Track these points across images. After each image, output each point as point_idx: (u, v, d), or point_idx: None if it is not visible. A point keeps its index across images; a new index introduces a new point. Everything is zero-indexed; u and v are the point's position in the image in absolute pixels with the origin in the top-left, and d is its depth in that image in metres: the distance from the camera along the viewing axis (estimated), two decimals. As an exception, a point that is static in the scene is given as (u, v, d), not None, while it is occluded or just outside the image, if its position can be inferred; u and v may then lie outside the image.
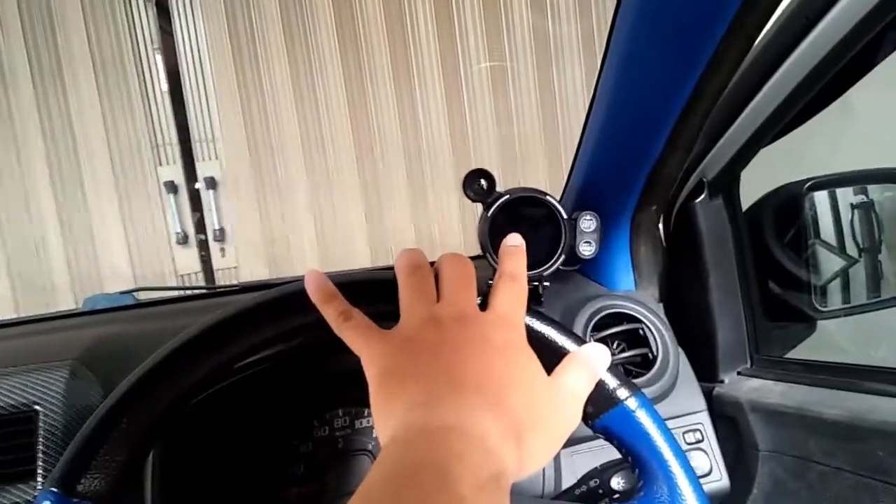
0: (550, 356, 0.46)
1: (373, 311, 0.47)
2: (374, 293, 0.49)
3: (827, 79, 0.67)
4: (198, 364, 0.47)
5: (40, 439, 0.64)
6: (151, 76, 2.78)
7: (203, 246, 2.87)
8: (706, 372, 0.84)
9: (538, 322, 0.48)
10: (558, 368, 0.45)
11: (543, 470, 0.75)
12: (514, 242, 0.51)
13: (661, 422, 0.45)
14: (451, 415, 0.37)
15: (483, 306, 0.46)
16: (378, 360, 0.43)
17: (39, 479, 0.63)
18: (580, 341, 0.48)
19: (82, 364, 0.71)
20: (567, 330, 0.48)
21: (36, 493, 0.62)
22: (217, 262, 2.88)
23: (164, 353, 0.46)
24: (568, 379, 0.44)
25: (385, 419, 0.41)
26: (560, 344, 0.47)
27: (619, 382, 0.46)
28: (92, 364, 0.72)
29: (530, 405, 0.40)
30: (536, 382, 0.42)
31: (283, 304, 0.49)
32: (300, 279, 0.49)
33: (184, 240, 2.83)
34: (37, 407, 0.65)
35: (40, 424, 0.64)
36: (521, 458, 0.38)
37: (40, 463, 0.63)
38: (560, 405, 0.43)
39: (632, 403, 0.45)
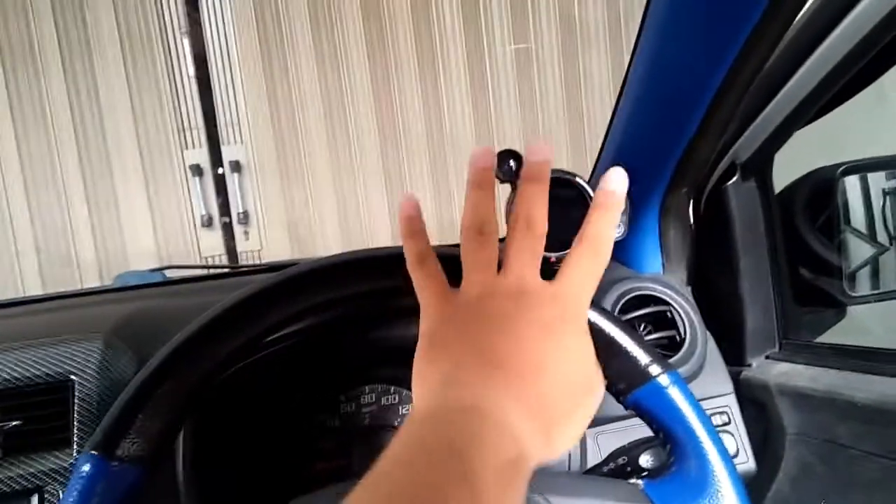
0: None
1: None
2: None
3: (864, 62, 0.66)
4: (235, 334, 0.48)
5: (75, 408, 0.65)
6: (178, 60, 2.80)
7: (227, 228, 2.89)
8: (734, 355, 0.84)
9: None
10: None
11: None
12: (613, 186, 0.45)
13: (693, 399, 0.45)
14: (475, 393, 0.37)
15: (551, 275, 0.44)
16: (431, 318, 0.43)
17: (75, 446, 0.64)
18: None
19: (116, 336, 0.73)
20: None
21: (71, 461, 0.64)
22: (241, 244, 2.90)
23: (203, 321, 0.47)
24: None
25: (418, 386, 0.42)
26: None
27: (651, 359, 0.46)
28: (125, 337, 0.74)
29: (566, 389, 0.39)
30: (580, 367, 0.41)
31: (320, 276, 0.49)
32: (333, 256, 0.49)
33: (208, 222, 2.85)
34: (72, 377, 0.66)
35: (76, 393, 0.65)
36: (547, 441, 0.37)
37: (75, 431, 0.65)
38: (599, 392, 0.42)
39: (664, 380, 0.45)
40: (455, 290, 0.44)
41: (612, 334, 0.46)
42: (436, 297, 0.44)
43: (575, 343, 0.41)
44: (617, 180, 0.45)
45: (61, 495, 0.62)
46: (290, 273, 0.49)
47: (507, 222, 0.78)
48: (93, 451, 0.43)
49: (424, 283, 0.44)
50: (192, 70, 2.81)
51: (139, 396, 0.45)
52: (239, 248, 2.90)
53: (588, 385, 0.41)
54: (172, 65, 2.79)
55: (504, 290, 0.41)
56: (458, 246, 0.45)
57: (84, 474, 0.42)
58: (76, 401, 0.66)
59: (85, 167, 2.71)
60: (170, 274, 1.34)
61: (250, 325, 0.48)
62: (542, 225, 0.43)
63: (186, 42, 2.79)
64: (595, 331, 0.46)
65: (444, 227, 2.98)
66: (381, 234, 2.95)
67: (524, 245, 0.43)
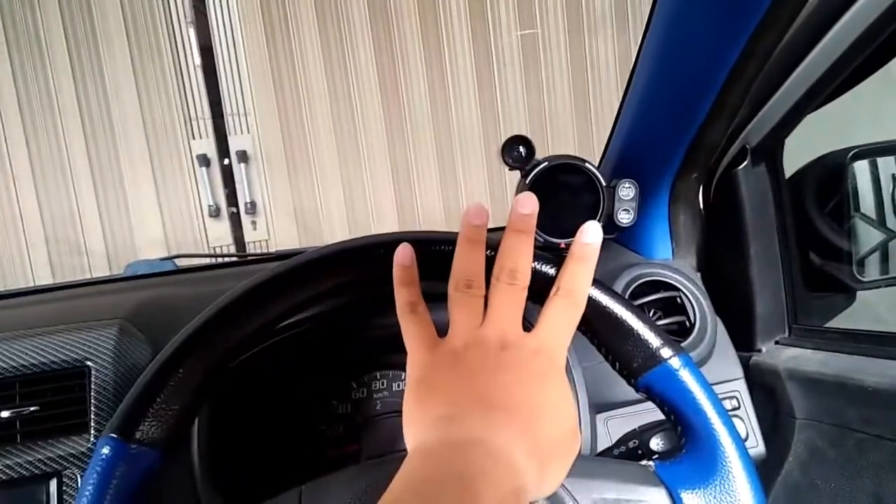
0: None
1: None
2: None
3: (874, 46, 0.65)
4: (249, 319, 0.48)
5: (92, 393, 0.66)
6: (184, 50, 2.80)
7: (234, 218, 2.90)
8: (744, 341, 0.84)
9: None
10: None
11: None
12: (589, 239, 0.46)
13: (704, 382, 0.46)
14: (478, 429, 0.38)
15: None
16: (419, 367, 0.45)
17: (92, 431, 0.65)
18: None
19: (130, 323, 0.73)
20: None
21: (89, 445, 0.65)
22: (248, 234, 2.91)
23: (219, 307, 0.47)
24: None
25: (413, 426, 0.43)
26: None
27: (662, 342, 0.46)
28: (139, 324, 0.74)
29: (557, 432, 0.41)
30: (566, 412, 0.42)
31: (331, 261, 0.49)
32: (343, 241, 0.50)
33: (216, 212, 2.86)
34: (88, 363, 0.67)
35: (92, 379, 0.66)
36: (541, 479, 0.38)
37: (92, 416, 0.65)
38: (578, 440, 0.43)
39: (675, 363, 0.45)
40: (441, 340, 0.45)
41: (623, 317, 0.47)
42: (424, 345, 0.45)
43: (559, 391, 0.43)
44: (593, 233, 0.46)
45: (79, 479, 0.63)
46: (301, 259, 0.49)
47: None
48: (112, 434, 0.43)
49: (413, 331, 0.46)
50: (198, 60, 2.81)
51: (157, 380, 0.45)
52: (247, 238, 2.91)
53: (573, 430, 0.42)
54: (178, 55, 2.79)
55: (488, 342, 0.43)
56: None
57: (104, 457, 0.43)
58: (93, 386, 0.66)
59: (92, 158, 2.72)
60: (180, 263, 1.35)
61: (264, 310, 0.48)
62: (525, 277, 0.44)
63: (192, 32, 2.79)
64: (607, 314, 0.47)
65: (450, 215, 2.98)
66: (388, 222, 2.95)
67: (507, 298, 0.44)
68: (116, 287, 0.92)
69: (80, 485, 0.43)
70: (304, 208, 2.92)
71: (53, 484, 0.63)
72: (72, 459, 0.64)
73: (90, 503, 0.42)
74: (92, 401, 0.66)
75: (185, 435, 0.56)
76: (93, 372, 0.66)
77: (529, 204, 0.44)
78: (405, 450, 0.82)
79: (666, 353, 0.45)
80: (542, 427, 0.40)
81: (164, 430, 0.45)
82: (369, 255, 0.50)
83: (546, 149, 3.09)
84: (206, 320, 0.46)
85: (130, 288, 0.91)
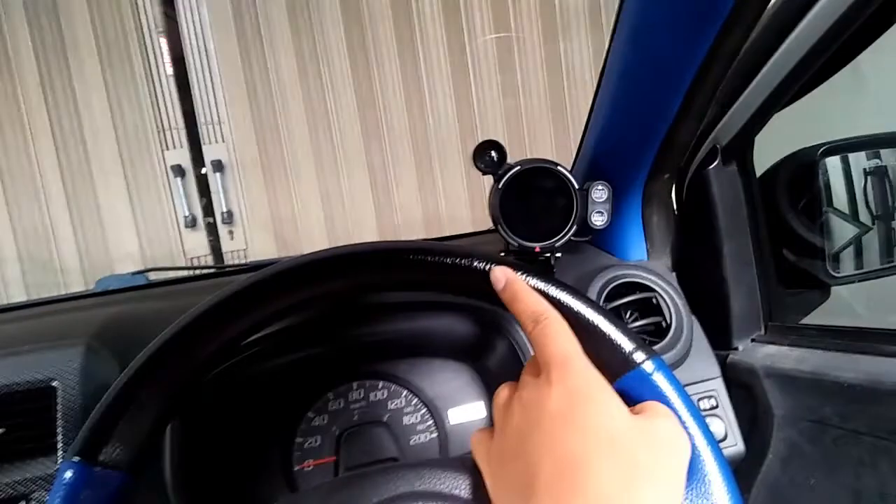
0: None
1: None
2: None
3: (840, 41, 0.66)
4: (214, 335, 0.47)
5: (59, 414, 0.64)
6: (156, 60, 2.77)
7: (211, 229, 2.88)
8: (720, 339, 0.84)
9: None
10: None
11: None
12: (500, 285, 0.48)
13: (678, 384, 0.45)
14: None
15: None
16: None
17: (60, 452, 0.64)
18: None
19: (98, 341, 0.72)
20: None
21: (57, 467, 0.63)
22: (226, 244, 2.88)
23: (182, 324, 0.46)
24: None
25: None
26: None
27: (635, 346, 0.46)
28: (107, 341, 0.73)
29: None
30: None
31: (301, 273, 0.49)
32: (314, 252, 0.49)
33: (192, 223, 2.83)
34: (54, 383, 0.65)
35: (58, 399, 0.65)
36: None
37: (60, 437, 0.64)
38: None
39: (648, 367, 0.45)
40: None
41: (595, 322, 0.46)
42: None
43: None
44: (498, 275, 0.48)
45: (47, 502, 0.62)
46: (269, 271, 0.48)
47: (490, 214, 0.77)
48: (74, 458, 0.42)
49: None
50: (169, 70, 2.78)
51: (119, 400, 0.44)
52: (224, 248, 2.89)
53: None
54: (150, 65, 2.76)
55: None
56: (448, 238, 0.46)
57: (66, 481, 0.42)
58: (59, 407, 0.65)
59: (64, 171, 2.68)
60: (152, 276, 1.33)
61: (230, 325, 0.47)
62: None
63: (163, 41, 2.76)
64: (579, 319, 0.46)
65: (430, 221, 2.97)
66: (367, 230, 2.94)
67: None
68: (85, 303, 0.91)
69: (44, 511, 0.41)
70: (282, 216, 2.90)
71: (21, 508, 0.62)
72: (39, 482, 0.62)
73: None
74: (59, 421, 0.64)
75: (152, 455, 0.55)
76: (59, 392, 0.65)
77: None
78: (382, 460, 0.81)
79: (639, 357, 0.45)
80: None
81: (130, 452, 0.44)
82: (339, 267, 0.50)
83: (524, 151, 3.10)
84: (169, 338, 0.45)
85: (100, 304, 0.89)
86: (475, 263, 0.49)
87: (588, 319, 0.46)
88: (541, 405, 0.41)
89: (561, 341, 0.43)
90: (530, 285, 0.47)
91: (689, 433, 0.43)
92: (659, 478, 0.38)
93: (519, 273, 0.48)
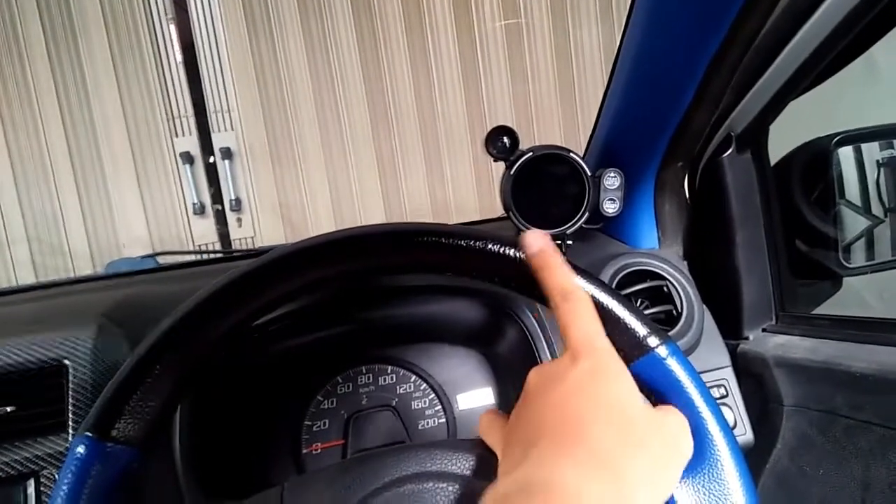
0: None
1: None
2: None
3: (857, 30, 0.65)
4: (226, 314, 0.47)
5: (70, 392, 0.65)
6: (166, 47, 2.77)
7: (219, 216, 2.88)
8: (731, 329, 0.83)
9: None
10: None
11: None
12: (534, 249, 0.47)
13: (692, 370, 0.45)
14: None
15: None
16: None
17: (70, 430, 0.64)
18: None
19: (109, 321, 0.72)
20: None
21: (67, 445, 0.63)
22: (234, 231, 2.89)
23: (195, 301, 0.46)
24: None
25: None
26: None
27: (649, 330, 0.45)
28: (118, 322, 0.73)
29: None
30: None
31: (312, 255, 0.49)
32: (323, 234, 0.49)
33: (200, 210, 2.83)
34: (66, 361, 0.66)
35: (70, 378, 0.65)
36: (618, 494, 0.35)
37: (71, 415, 0.64)
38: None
39: (662, 351, 0.45)
40: None
41: (609, 306, 0.46)
42: None
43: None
44: (532, 240, 0.47)
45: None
46: (281, 252, 0.48)
47: (501, 200, 0.77)
48: (87, 433, 0.42)
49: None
50: (179, 57, 2.77)
51: (133, 376, 0.44)
52: (232, 236, 2.89)
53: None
54: (159, 52, 2.76)
55: None
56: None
57: (79, 456, 0.42)
58: (71, 385, 0.65)
59: (74, 156, 2.69)
60: (162, 260, 1.33)
61: (242, 305, 0.47)
62: None
63: (173, 28, 2.76)
64: (593, 303, 0.46)
65: (437, 208, 2.97)
66: (375, 215, 2.94)
67: None
68: (96, 286, 0.91)
69: (55, 485, 0.42)
70: (290, 204, 2.90)
71: (31, 484, 0.62)
72: (50, 459, 0.63)
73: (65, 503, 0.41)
74: (70, 400, 0.64)
75: (163, 432, 0.55)
76: (70, 371, 0.65)
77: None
78: (390, 444, 0.81)
79: (653, 341, 0.45)
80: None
81: (142, 428, 0.44)
82: (349, 249, 0.49)
83: (532, 138, 3.08)
84: (183, 315, 0.45)
85: (110, 286, 0.89)
86: (502, 240, 0.49)
87: (602, 303, 0.46)
88: (560, 377, 0.41)
89: (588, 321, 0.43)
90: None
91: (702, 419, 0.43)
92: (660, 456, 0.39)
93: None
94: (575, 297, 0.44)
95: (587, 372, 0.40)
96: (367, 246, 0.49)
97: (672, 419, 0.42)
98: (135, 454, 0.44)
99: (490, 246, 0.48)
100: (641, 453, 0.37)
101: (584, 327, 0.42)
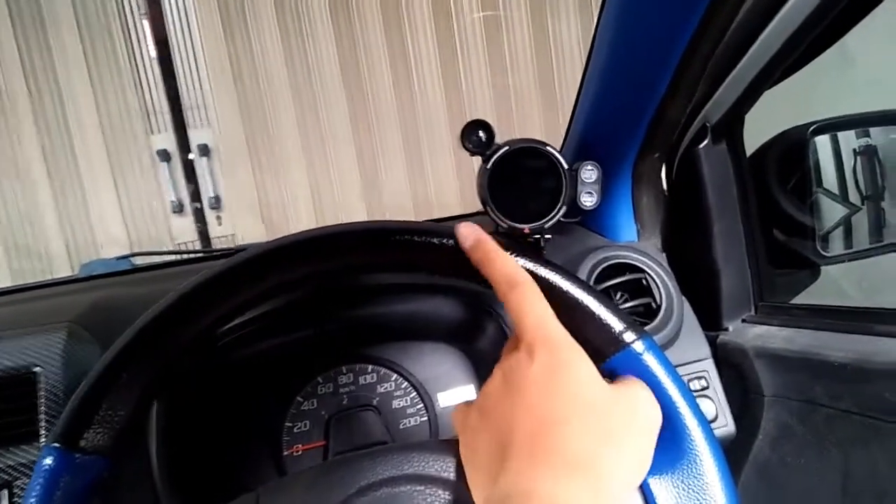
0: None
1: None
2: None
3: (830, 18, 0.65)
4: (197, 317, 0.46)
5: (42, 400, 0.63)
6: (139, 43, 2.73)
7: (199, 214, 2.85)
8: (710, 320, 0.84)
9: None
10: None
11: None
12: (468, 243, 0.47)
13: (668, 364, 0.45)
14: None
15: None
16: None
17: (42, 439, 0.63)
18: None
19: (80, 326, 0.71)
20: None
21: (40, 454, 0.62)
22: (213, 230, 2.86)
23: (163, 306, 0.45)
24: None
25: None
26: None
27: (625, 326, 0.45)
28: (90, 326, 0.72)
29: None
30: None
31: (288, 253, 0.48)
32: (299, 232, 0.48)
33: (179, 208, 2.81)
34: (36, 369, 0.64)
35: (41, 385, 0.64)
36: (595, 493, 0.36)
37: (43, 423, 0.63)
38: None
39: (639, 346, 0.44)
40: None
41: (584, 302, 0.45)
42: None
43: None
44: (464, 231, 0.47)
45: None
46: (255, 252, 0.47)
47: (479, 195, 0.77)
48: (54, 444, 0.41)
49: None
50: (153, 52, 2.74)
51: (100, 385, 0.43)
52: (212, 234, 2.87)
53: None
54: (133, 48, 2.72)
55: None
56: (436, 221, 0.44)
57: (47, 468, 0.41)
58: (42, 393, 0.64)
59: (48, 156, 2.65)
60: (138, 261, 1.32)
61: (211, 309, 0.46)
62: None
63: (146, 23, 2.72)
64: (568, 299, 0.45)
65: (419, 204, 2.96)
66: (356, 212, 2.93)
67: None
68: (68, 289, 0.89)
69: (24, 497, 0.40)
70: (270, 201, 2.88)
71: (4, 496, 0.61)
72: (23, 469, 0.62)
73: None
74: (42, 408, 0.63)
75: (134, 440, 0.54)
76: (41, 378, 0.64)
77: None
78: (372, 444, 0.81)
79: (629, 336, 0.45)
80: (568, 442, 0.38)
81: (111, 437, 0.43)
82: (324, 247, 0.49)
83: (513, 131, 3.08)
84: (149, 321, 0.44)
85: (83, 289, 0.88)
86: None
87: (578, 299, 0.46)
88: (521, 372, 0.40)
89: (538, 308, 0.42)
90: (526, 267, 0.46)
91: (679, 413, 0.43)
92: (630, 443, 0.39)
93: (510, 253, 0.47)
94: (521, 283, 0.43)
95: (546, 367, 0.40)
96: (341, 244, 0.48)
97: (636, 393, 0.42)
98: (105, 463, 0.43)
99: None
100: (613, 443, 0.38)
101: (535, 314, 0.42)
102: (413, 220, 0.50)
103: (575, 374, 0.40)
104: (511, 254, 0.46)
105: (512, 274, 0.44)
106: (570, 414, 0.38)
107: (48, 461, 0.41)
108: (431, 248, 0.48)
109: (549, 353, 0.40)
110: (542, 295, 0.43)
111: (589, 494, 0.35)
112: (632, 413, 0.40)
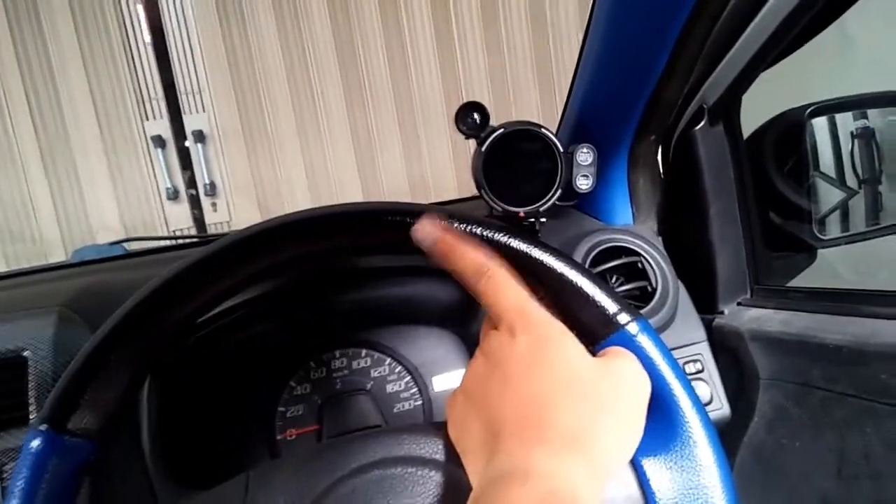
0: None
1: None
2: None
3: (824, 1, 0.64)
4: (186, 299, 0.45)
5: (31, 385, 0.63)
6: (133, 28, 2.71)
7: (194, 201, 2.84)
8: (706, 303, 0.83)
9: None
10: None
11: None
12: (427, 242, 0.44)
13: (663, 346, 0.44)
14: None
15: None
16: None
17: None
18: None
19: (71, 311, 0.70)
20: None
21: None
22: (209, 216, 2.85)
23: (151, 288, 0.44)
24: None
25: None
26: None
27: (619, 307, 0.44)
28: (81, 311, 0.71)
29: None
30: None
31: (281, 233, 0.47)
32: (293, 213, 0.47)
33: (174, 195, 2.79)
34: (26, 353, 0.64)
35: (31, 370, 0.63)
36: (591, 466, 0.36)
37: (32, 408, 0.62)
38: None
39: (633, 328, 0.44)
40: None
41: (579, 284, 0.45)
42: None
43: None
44: (421, 229, 0.44)
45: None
46: (247, 232, 0.47)
47: (473, 178, 0.76)
48: (42, 426, 0.41)
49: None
50: (147, 37, 2.72)
51: (88, 367, 0.42)
52: (207, 220, 2.86)
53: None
54: (127, 33, 2.70)
55: None
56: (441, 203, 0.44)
57: (34, 450, 0.40)
58: (32, 377, 0.63)
59: (42, 142, 2.63)
60: (130, 247, 1.31)
61: (198, 292, 0.45)
62: None
63: (140, 8, 2.70)
64: (562, 281, 0.45)
65: (415, 186, 2.95)
66: (352, 196, 2.92)
67: None
68: (59, 274, 0.89)
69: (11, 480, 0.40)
70: (265, 186, 2.87)
71: (-6, 481, 0.61)
72: (13, 454, 0.61)
73: (22, 501, 0.39)
74: (31, 392, 0.63)
75: (123, 423, 0.54)
76: (31, 362, 0.63)
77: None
78: (366, 428, 0.81)
79: (623, 318, 0.44)
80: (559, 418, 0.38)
81: (100, 420, 0.42)
82: (314, 228, 0.48)
83: (509, 114, 3.07)
84: (136, 304, 0.44)
85: (75, 274, 0.87)
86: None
87: (572, 281, 0.45)
88: (504, 354, 0.40)
89: (513, 291, 0.42)
90: (520, 249, 0.45)
91: (674, 396, 0.43)
92: (620, 413, 0.39)
93: (460, 223, 0.45)
94: (490, 269, 0.42)
95: (529, 346, 0.40)
96: (331, 227, 0.48)
97: (622, 363, 0.42)
98: (94, 447, 0.42)
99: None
100: (604, 416, 0.38)
101: (511, 297, 0.42)
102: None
103: (559, 350, 0.40)
104: (505, 235, 0.46)
105: (480, 263, 0.43)
106: (557, 389, 0.38)
107: (35, 443, 0.40)
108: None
109: (531, 331, 0.40)
110: (511, 277, 0.43)
111: (585, 468, 0.35)
112: (620, 384, 0.40)
